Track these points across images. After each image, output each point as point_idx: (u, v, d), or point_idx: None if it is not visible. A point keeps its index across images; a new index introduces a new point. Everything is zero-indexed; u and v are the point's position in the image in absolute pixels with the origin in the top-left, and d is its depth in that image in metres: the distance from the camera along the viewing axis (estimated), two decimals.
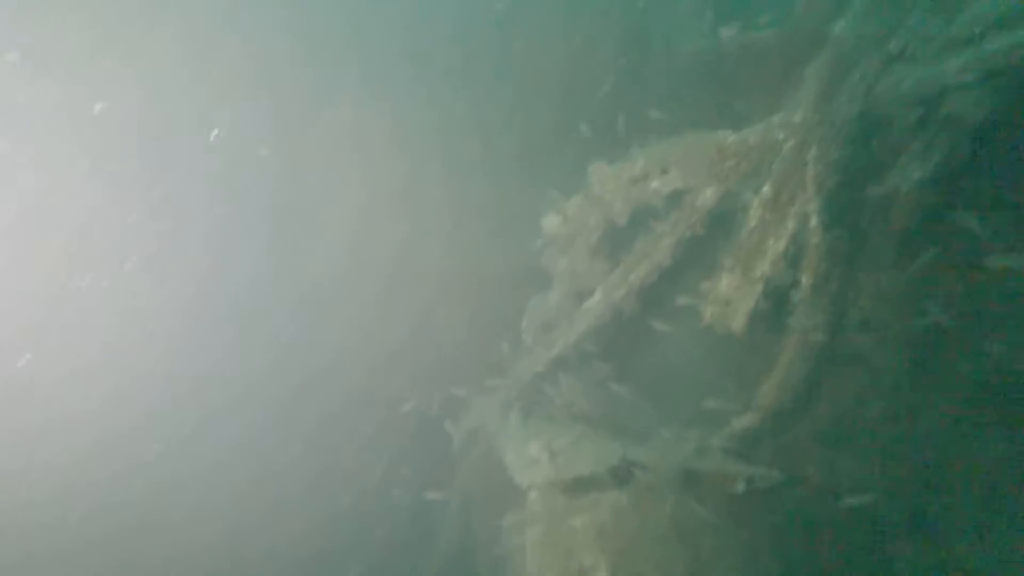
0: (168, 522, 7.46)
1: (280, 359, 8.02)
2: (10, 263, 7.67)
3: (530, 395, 6.49)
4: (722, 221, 4.88)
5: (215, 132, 7.59)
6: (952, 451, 3.86)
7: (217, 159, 7.99)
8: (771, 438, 4.11)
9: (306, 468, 7.95)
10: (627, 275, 5.28)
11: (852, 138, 3.47)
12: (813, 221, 3.46)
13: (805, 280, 3.55)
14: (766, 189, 3.65)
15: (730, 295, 3.69)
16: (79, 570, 7.19)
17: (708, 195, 4.66)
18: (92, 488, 7.44)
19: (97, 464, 7.44)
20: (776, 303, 3.65)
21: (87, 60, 7.69)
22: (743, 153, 4.18)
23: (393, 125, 8.11)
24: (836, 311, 3.65)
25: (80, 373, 7.52)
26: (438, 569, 7.26)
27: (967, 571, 3.55)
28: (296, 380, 7.97)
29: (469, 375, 7.33)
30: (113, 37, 7.80)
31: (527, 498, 5.45)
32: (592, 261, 5.71)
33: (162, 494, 7.51)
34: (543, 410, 6.57)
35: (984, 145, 3.33)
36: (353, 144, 8.23)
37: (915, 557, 3.76)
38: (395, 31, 8.26)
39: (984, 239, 3.26)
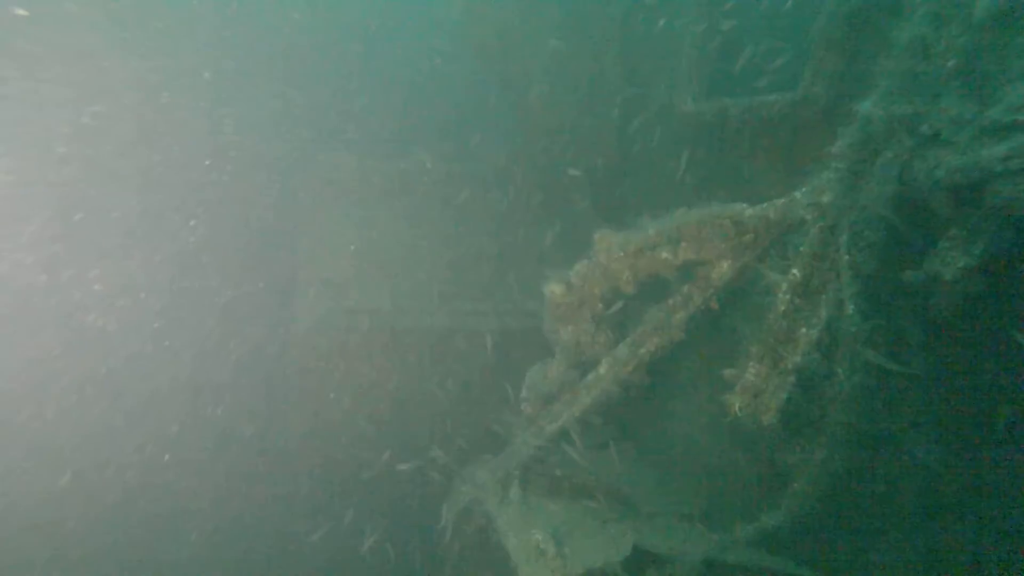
0: None
1: (264, 433, 7.55)
2: None
3: (531, 468, 6.09)
4: (738, 296, 4.68)
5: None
6: (990, 547, 3.58)
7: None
8: (802, 535, 3.76)
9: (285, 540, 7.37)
10: (636, 348, 4.98)
11: (887, 222, 3.27)
12: (849, 309, 3.22)
13: (841, 372, 3.29)
14: (795, 272, 3.41)
15: (759, 386, 3.39)
16: None
17: (724, 269, 4.44)
18: None
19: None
20: (809, 395, 3.37)
21: None
22: (762, 228, 3.97)
23: (388, 179, 7.93)
24: (875, 404, 3.39)
25: None
26: None
27: None
28: (280, 448, 7.48)
29: (464, 445, 6.91)
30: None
31: None
32: (597, 332, 5.43)
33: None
34: (545, 484, 6.16)
35: None
36: (348, 196, 8.00)
37: None
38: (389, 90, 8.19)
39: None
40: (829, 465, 3.39)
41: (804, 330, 3.31)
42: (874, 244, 3.27)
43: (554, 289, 5.44)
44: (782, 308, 3.40)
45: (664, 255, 4.73)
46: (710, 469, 5.56)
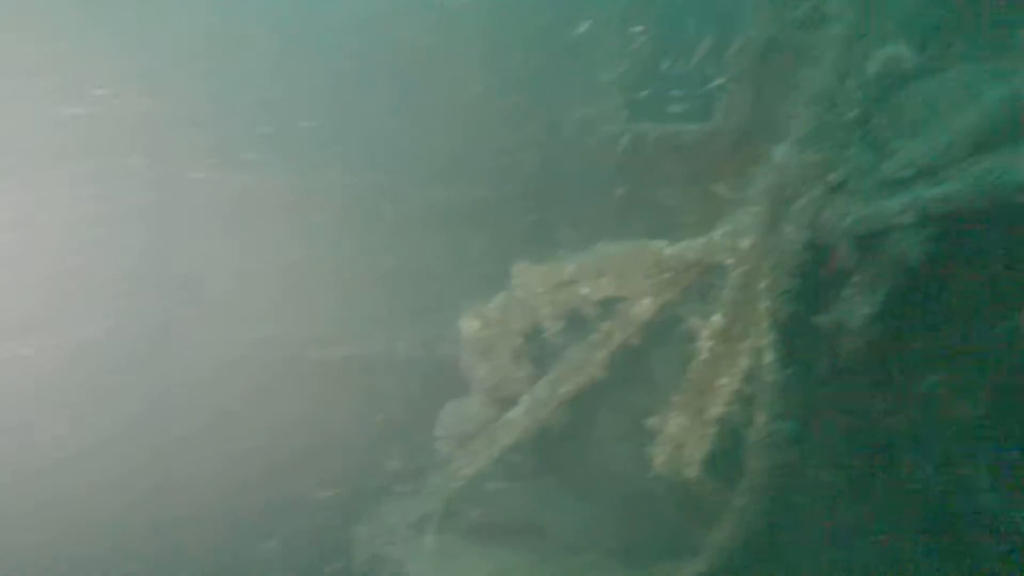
0: None
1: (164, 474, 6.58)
2: None
3: (447, 511, 5.72)
4: (659, 334, 4.61)
5: None
6: None
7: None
8: None
9: None
10: (556, 387, 4.79)
11: (801, 269, 3.26)
12: (768, 357, 3.17)
13: (759, 420, 3.24)
14: (717, 319, 3.33)
15: (682, 438, 3.27)
16: None
17: (645, 306, 4.33)
18: None
19: None
20: (731, 446, 3.30)
21: None
22: (682, 267, 3.88)
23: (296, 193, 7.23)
24: (793, 453, 3.38)
25: None
26: None
27: None
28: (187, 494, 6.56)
29: (374, 484, 6.41)
30: None
31: None
32: (516, 367, 5.19)
33: None
34: (462, 527, 5.82)
35: (922, 286, 3.28)
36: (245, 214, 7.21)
37: None
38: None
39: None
40: (749, 512, 3.33)
41: (726, 379, 3.24)
42: (790, 291, 3.26)
43: (471, 323, 5.14)
44: (704, 356, 3.31)
45: (584, 290, 4.57)
46: (633, 502, 5.49)
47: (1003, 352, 3.18)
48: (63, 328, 6.17)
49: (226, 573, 6.48)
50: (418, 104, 7.09)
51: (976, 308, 3.20)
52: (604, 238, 6.90)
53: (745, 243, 3.30)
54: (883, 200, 3.07)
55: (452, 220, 6.74)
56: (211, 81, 7.16)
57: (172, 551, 6.42)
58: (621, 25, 6.47)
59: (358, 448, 6.58)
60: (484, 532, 5.77)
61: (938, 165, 3.01)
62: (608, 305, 4.86)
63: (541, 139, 6.68)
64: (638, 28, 6.54)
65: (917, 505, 3.52)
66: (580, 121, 6.54)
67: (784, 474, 3.44)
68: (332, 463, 6.66)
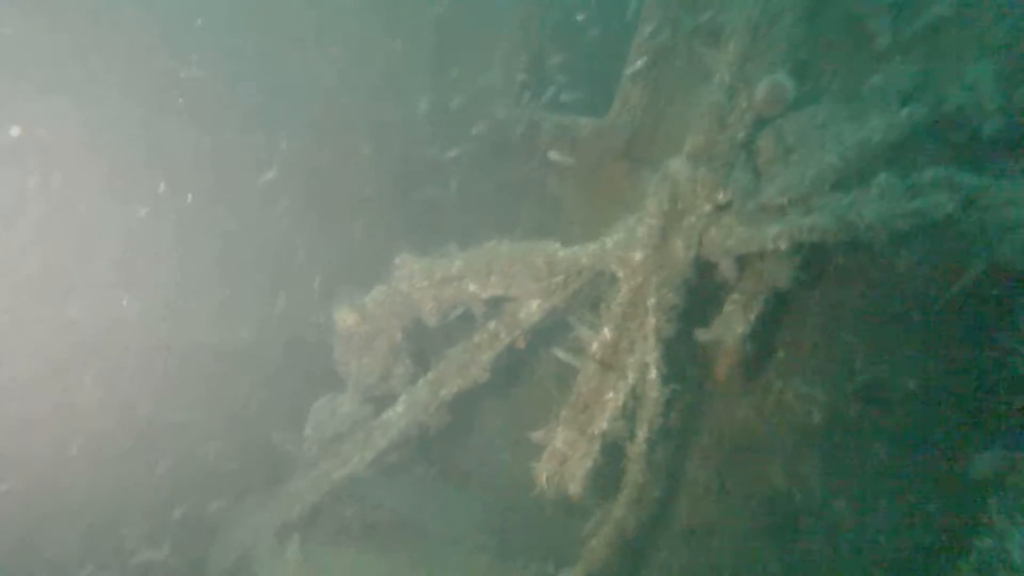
0: None
1: None
2: None
3: (315, 517, 5.29)
4: (544, 337, 4.53)
5: None
6: None
7: None
8: None
9: None
10: (437, 389, 4.55)
11: (687, 285, 3.32)
12: (652, 373, 3.20)
13: (640, 435, 3.28)
14: (605, 332, 3.29)
15: (566, 453, 3.22)
16: None
17: (533, 309, 4.21)
18: None
19: None
20: (613, 461, 3.32)
21: None
22: (573, 272, 3.80)
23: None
24: (671, 467, 3.50)
25: None
26: None
27: None
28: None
29: (234, 486, 5.74)
30: None
31: None
32: (394, 364, 4.85)
33: None
34: (330, 528, 5.43)
35: (788, 306, 3.51)
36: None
37: None
38: None
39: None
40: (624, 525, 3.41)
41: (611, 394, 3.23)
42: (676, 307, 3.31)
43: (346, 317, 4.67)
44: (591, 370, 3.27)
45: (471, 288, 4.33)
46: (511, 501, 5.50)
47: (845, 365, 3.57)
48: None
49: None
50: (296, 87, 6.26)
51: (827, 327, 3.53)
52: (490, 226, 6.80)
53: (636, 256, 3.27)
54: (762, 224, 3.21)
55: (331, 199, 6.08)
56: None
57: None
58: (517, 13, 6.19)
59: (211, 446, 5.85)
60: (355, 533, 5.44)
61: (807, 196, 3.20)
62: (494, 305, 4.72)
63: (429, 123, 6.21)
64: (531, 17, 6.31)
65: (767, 503, 3.88)
66: (471, 106, 6.20)
67: (660, 485, 3.58)
68: (184, 463, 5.86)
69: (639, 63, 5.07)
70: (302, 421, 5.64)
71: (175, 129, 6.06)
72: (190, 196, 5.93)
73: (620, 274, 3.36)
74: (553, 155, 5.52)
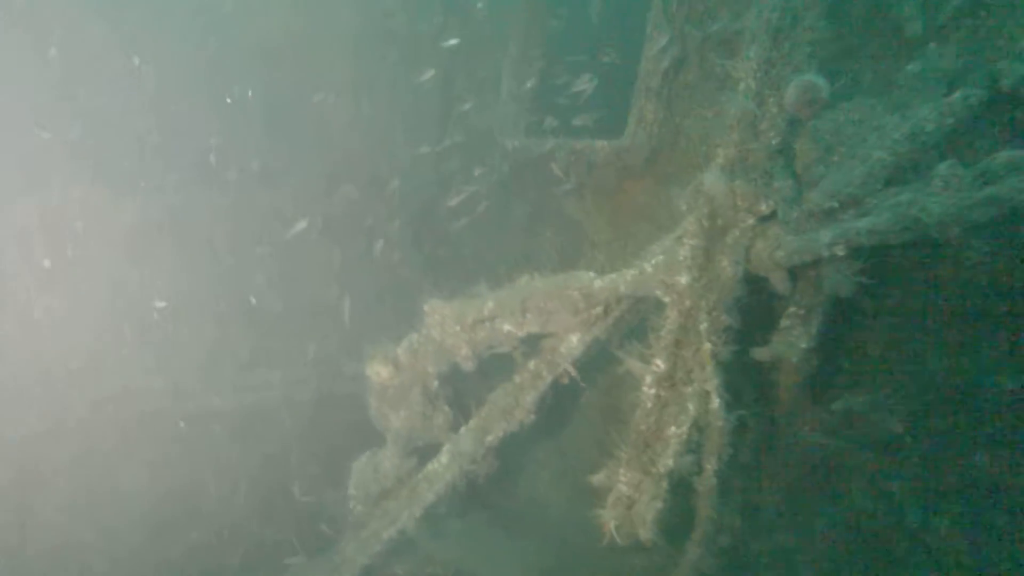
0: None
1: None
2: None
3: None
4: (589, 370, 4.35)
5: None
6: None
7: None
8: None
9: None
10: (482, 436, 4.37)
11: (738, 305, 3.13)
12: (715, 401, 3.00)
13: (709, 468, 3.06)
14: (658, 363, 3.10)
15: (632, 496, 3.01)
16: None
17: (573, 343, 4.04)
18: None
19: None
20: (681, 499, 3.10)
21: None
22: (612, 301, 3.64)
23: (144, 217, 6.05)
24: (745, 499, 3.27)
25: None
26: None
27: None
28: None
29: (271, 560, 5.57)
30: None
31: None
32: (433, 413, 4.69)
33: None
34: None
35: (852, 315, 3.29)
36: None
37: None
38: None
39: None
40: (702, 565, 3.16)
41: (673, 428, 3.02)
42: (730, 328, 3.12)
43: (379, 370, 4.54)
44: (649, 404, 3.08)
45: (506, 327, 4.19)
46: (560, 537, 5.24)
47: (922, 372, 3.32)
48: None
49: None
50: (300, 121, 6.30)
51: (897, 332, 3.30)
52: (511, 258, 6.68)
53: (682, 279, 3.10)
54: (812, 231, 3.03)
55: (343, 241, 6.02)
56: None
57: None
58: (519, 37, 6.19)
59: (244, 519, 5.69)
60: None
61: (858, 197, 3.02)
62: (530, 343, 4.55)
63: (434, 156, 6.19)
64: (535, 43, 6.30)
65: (852, 524, 3.60)
66: (479, 135, 6.15)
67: (735, 519, 3.34)
68: (212, 540, 5.70)
69: (652, 80, 5.00)
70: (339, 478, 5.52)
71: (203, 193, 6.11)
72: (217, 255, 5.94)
73: (666, 300, 3.18)
74: (555, 169, 5.46)
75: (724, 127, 3.32)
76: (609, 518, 3.01)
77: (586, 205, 6.03)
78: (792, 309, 3.22)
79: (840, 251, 2.90)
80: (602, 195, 5.73)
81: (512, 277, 4.90)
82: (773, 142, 3.21)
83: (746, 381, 3.29)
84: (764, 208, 3.11)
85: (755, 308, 3.32)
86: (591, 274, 3.74)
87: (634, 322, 3.84)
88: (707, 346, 3.02)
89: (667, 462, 2.99)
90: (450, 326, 4.27)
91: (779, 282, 3.19)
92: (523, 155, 6.43)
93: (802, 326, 3.14)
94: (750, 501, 3.48)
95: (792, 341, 3.13)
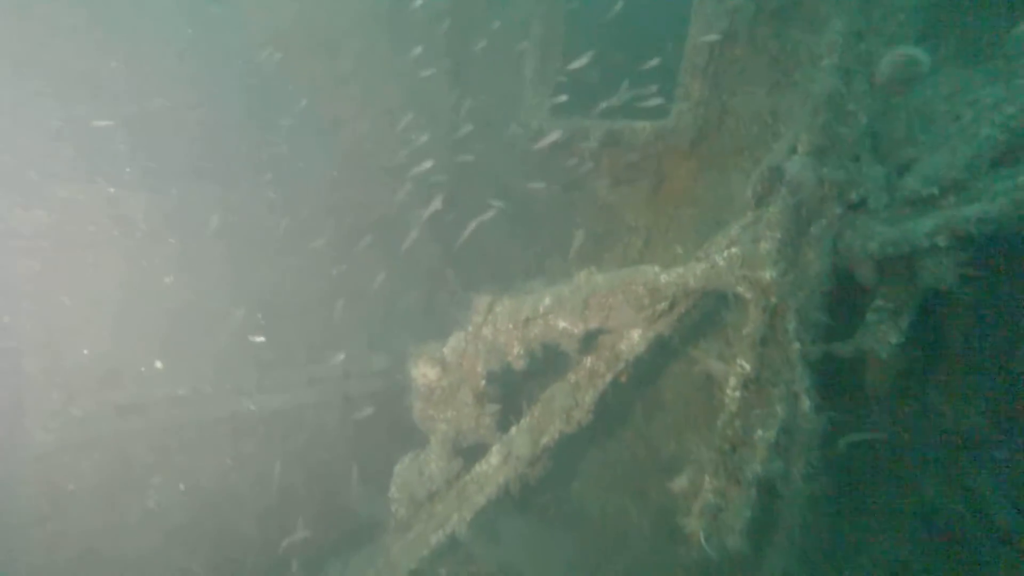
0: None
1: None
2: None
3: None
4: (649, 369, 4.17)
5: None
6: None
7: None
8: None
9: None
10: (537, 437, 4.21)
11: (827, 301, 2.95)
12: (805, 403, 2.84)
13: (796, 472, 2.92)
14: (743, 364, 2.93)
15: (719, 503, 2.87)
16: None
17: (635, 340, 3.86)
18: None
19: None
20: (770, 504, 2.96)
21: None
22: (680, 296, 3.44)
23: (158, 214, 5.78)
24: (834, 505, 3.13)
25: None
26: None
27: None
28: None
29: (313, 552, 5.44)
30: None
31: None
32: (480, 413, 4.52)
33: None
34: None
35: (950, 309, 3.12)
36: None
37: None
38: None
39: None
40: (788, 571, 3.04)
41: (760, 432, 2.87)
42: (818, 326, 2.94)
43: (426, 372, 4.35)
44: (734, 408, 2.91)
45: (561, 324, 4.00)
46: (608, 537, 5.14)
47: (1014, 370, 3.17)
48: None
49: None
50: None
51: (997, 328, 3.14)
52: (541, 247, 6.44)
53: (766, 275, 2.91)
54: (909, 220, 2.83)
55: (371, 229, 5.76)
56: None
57: None
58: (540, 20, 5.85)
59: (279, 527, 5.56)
60: None
61: (963, 181, 2.82)
62: (587, 340, 4.36)
63: (463, 138, 5.89)
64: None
65: (927, 517, 3.50)
66: (504, 117, 5.86)
67: (821, 523, 3.22)
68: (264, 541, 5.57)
69: (698, 56, 4.73)
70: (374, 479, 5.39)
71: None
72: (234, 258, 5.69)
73: (749, 296, 3.00)
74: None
75: (806, 108, 3.08)
76: (697, 528, 2.88)
77: (622, 188, 5.81)
78: (879, 302, 3.04)
79: (943, 241, 2.71)
80: (641, 177, 5.50)
81: (542, 266, 4.66)
82: (862, 124, 2.99)
83: (829, 378, 3.14)
84: (854, 196, 2.90)
85: (836, 301, 3.14)
86: (656, 268, 3.53)
87: (699, 317, 3.67)
88: (795, 345, 2.85)
89: (755, 468, 2.85)
90: (502, 323, 4.07)
91: (866, 274, 3.01)
92: (550, 136, 6.19)
93: (891, 320, 2.96)
94: (834, 504, 3.36)
95: (881, 336, 2.96)
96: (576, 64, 5.50)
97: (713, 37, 4.39)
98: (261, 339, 5.52)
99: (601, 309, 3.69)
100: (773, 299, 2.95)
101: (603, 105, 5.36)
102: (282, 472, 5.68)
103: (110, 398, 5.34)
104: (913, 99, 3.20)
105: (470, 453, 4.84)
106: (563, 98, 5.64)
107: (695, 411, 4.10)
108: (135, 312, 5.56)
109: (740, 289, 3.06)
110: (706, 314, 3.56)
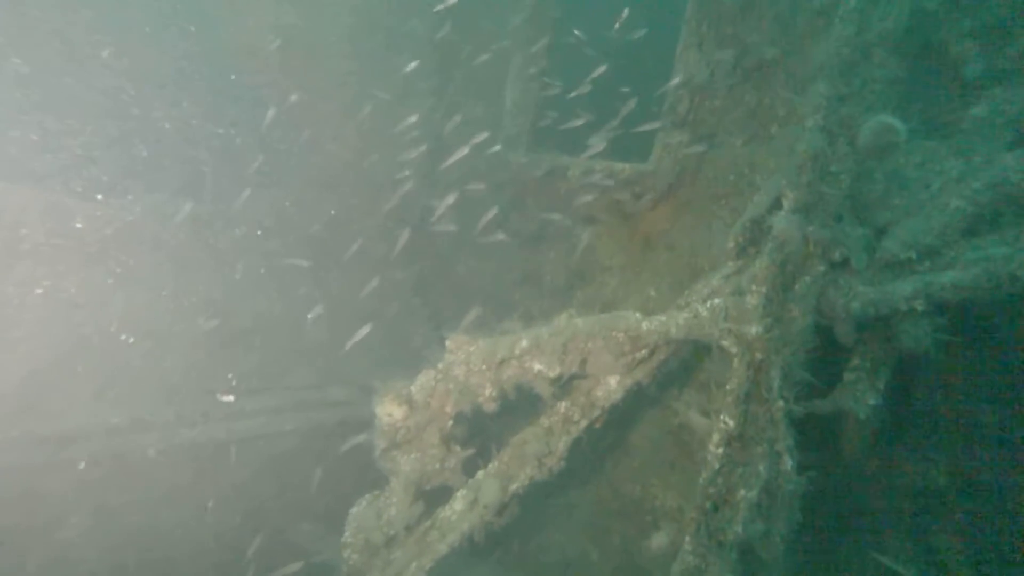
0: None
1: None
2: None
3: None
4: (624, 416, 4.09)
5: None
6: None
7: None
8: None
9: None
10: (506, 484, 4.03)
11: (810, 358, 2.95)
12: (788, 463, 2.80)
13: (777, 533, 2.86)
14: (726, 420, 2.88)
15: (698, 565, 2.77)
16: None
17: (612, 386, 3.77)
18: None
19: None
20: (748, 564, 2.88)
21: None
22: (661, 344, 3.39)
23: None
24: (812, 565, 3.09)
25: None
26: None
27: None
28: None
29: None
30: None
31: None
32: (447, 456, 4.31)
33: None
34: None
35: (924, 372, 3.18)
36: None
37: None
38: None
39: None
40: None
41: (743, 491, 2.81)
42: (801, 383, 2.93)
43: (391, 411, 4.13)
44: (716, 465, 2.84)
45: (537, 367, 3.87)
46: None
47: (979, 429, 3.25)
48: None
49: None
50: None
51: (969, 390, 3.23)
52: (513, 280, 6.34)
53: (752, 330, 2.89)
54: (888, 282, 2.89)
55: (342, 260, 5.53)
56: None
57: None
58: (522, 51, 5.88)
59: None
60: None
61: (937, 247, 2.90)
62: (561, 384, 4.25)
63: (435, 166, 5.79)
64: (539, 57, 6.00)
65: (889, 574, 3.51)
66: (481, 150, 5.79)
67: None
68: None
69: (679, 105, 4.81)
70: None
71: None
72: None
73: (734, 350, 2.97)
74: None
75: (791, 166, 3.13)
76: None
77: (598, 227, 5.81)
78: (857, 361, 3.07)
79: (920, 305, 2.76)
80: (617, 218, 5.52)
81: (511, 300, 4.52)
82: (844, 185, 3.06)
83: (804, 435, 3.13)
84: (837, 255, 2.94)
85: (814, 358, 3.15)
86: (637, 315, 3.48)
87: (677, 366, 3.62)
88: (780, 403, 2.83)
89: (736, 528, 2.78)
90: (475, 364, 3.92)
91: (845, 332, 3.04)
92: (529, 171, 6.17)
93: (868, 380, 2.99)
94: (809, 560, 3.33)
95: (859, 396, 2.98)
96: (575, 93, 5.49)
97: (699, 77, 4.46)
98: (222, 372, 5.15)
99: (580, 354, 3.59)
100: (758, 355, 2.94)
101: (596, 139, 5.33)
102: (222, 508, 5.26)
103: (31, 427, 4.86)
104: (885, 165, 3.32)
105: (432, 496, 4.62)
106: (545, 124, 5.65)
107: (661, 455, 4.02)
108: (66, 332, 5.12)
109: (725, 343, 3.04)
110: (684, 363, 3.52)
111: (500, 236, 5.15)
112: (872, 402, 2.99)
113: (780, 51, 4.12)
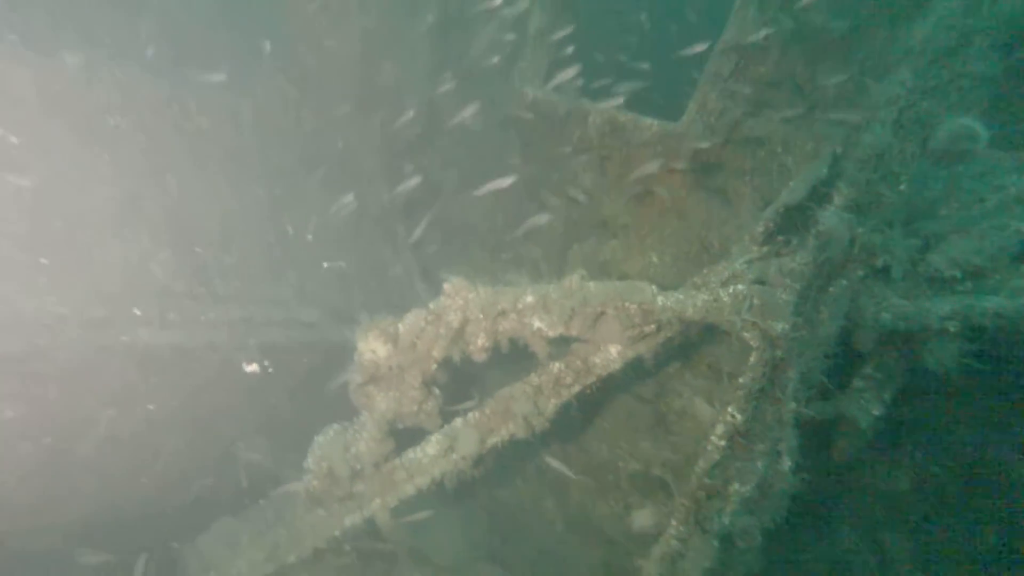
0: None
1: None
2: None
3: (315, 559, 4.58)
4: (620, 385, 3.97)
5: None
6: None
7: None
8: None
9: None
10: (485, 435, 3.92)
11: (829, 363, 2.85)
12: (787, 464, 2.76)
13: (759, 531, 2.85)
14: (733, 414, 2.78)
15: (680, 550, 2.75)
16: None
17: (612, 356, 3.62)
18: None
19: None
20: (728, 556, 2.89)
21: None
22: (673, 323, 3.23)
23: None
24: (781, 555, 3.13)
25: None
26: None
27: None
28: None
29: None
30: None
31: None
32: (424, 398, 4.13)
33: None
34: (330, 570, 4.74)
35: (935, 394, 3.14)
36: None
37: None
38: None
39: None
40: None
41: (737, 485, 2.76)
42: (814, 388, 2.85)
43: (375, 347, 3.88)
44: (717, 456, 2.78)
45: (536, 324, 3.68)
46: (534, 529, 5.04)
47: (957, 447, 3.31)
48: None
49: None
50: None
51: (976, 414, 3.23)
52: (507, 221, 6.01)
53: (778, 327, 2.75)
54: (925, 298, 2.78)
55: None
56: None
57: None
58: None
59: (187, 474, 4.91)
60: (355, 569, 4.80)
61: (984, 270, 2.79)
62: (558, 344, 4.08)
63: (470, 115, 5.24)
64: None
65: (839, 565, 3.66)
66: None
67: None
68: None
69: (723, 66, 4.44)
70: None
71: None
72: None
73: (754, 344, 2.84)
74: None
75: (850, 160, 2.91)
76: (655, 572, 2.76)
77: (608, 182, 5.50)
78: (869, 371, 3.01)
79: (954, 327, 2.68)
80: (633, 176, 5.22)
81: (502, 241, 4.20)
82: (902, 188, 2.86)
83: (815, 445, 3.10)
84: (880, 263, 2.79)
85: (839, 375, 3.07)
86: (653, 288, 3.29)
87: (680, 345, 3.50)
88: (792, 405, 2.75)
89: (724, 520, 2.76)
90: (473, 311, 3.69)
91: (864, 340, 2.96)
92: (544, 108, 5.72)
93: (876, 391, 2.95)
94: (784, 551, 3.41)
95: (863, 405, 2.95)
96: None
97: (753, 38, 4.08)
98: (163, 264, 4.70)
99: (587, 319, 3.41)
100: (779, 353, 2.83)
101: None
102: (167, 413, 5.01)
103: None
104: (942, 172, 3.14)
105: (402, 436, 4.50)
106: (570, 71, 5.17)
107: (634, 422, 3.99)
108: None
109: (747, 335, 2.90)
110: (689, 343, 3.40)
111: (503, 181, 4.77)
112: (876, 413, 2.97)
113: (848, 25, 3.78)
